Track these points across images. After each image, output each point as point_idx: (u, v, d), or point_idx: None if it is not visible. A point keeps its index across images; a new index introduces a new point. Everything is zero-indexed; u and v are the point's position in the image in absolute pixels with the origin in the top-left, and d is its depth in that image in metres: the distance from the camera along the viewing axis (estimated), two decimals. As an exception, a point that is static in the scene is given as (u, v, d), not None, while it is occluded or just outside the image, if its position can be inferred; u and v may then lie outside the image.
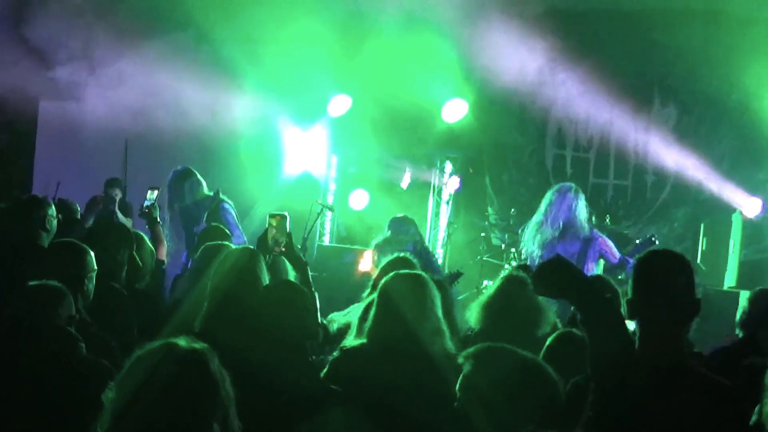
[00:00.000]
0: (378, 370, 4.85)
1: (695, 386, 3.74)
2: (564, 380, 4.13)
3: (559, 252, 9.34)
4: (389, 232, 9.61)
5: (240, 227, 9.48)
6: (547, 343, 5.05)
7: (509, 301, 5.93)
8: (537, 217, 9.55)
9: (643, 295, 3.82)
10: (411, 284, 5.15)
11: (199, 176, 9.68)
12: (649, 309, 3.79)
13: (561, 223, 9.36)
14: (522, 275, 6.18)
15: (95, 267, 5.64)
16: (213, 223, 8.56)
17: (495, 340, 4.53)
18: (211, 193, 9.59)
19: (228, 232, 7.97)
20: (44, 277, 4.91)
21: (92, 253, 5.65)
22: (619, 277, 9.46)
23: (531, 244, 9.50)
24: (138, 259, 6.77)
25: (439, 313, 5.11)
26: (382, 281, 5.21)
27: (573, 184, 9.81)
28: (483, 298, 6.12)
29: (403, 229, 9.71)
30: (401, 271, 5.33)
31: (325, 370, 5.10)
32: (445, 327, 5.09)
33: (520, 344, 4.18)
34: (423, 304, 5.06)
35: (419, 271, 5.53)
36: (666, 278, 3.82)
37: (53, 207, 7.17)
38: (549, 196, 9.60)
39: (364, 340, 5.09)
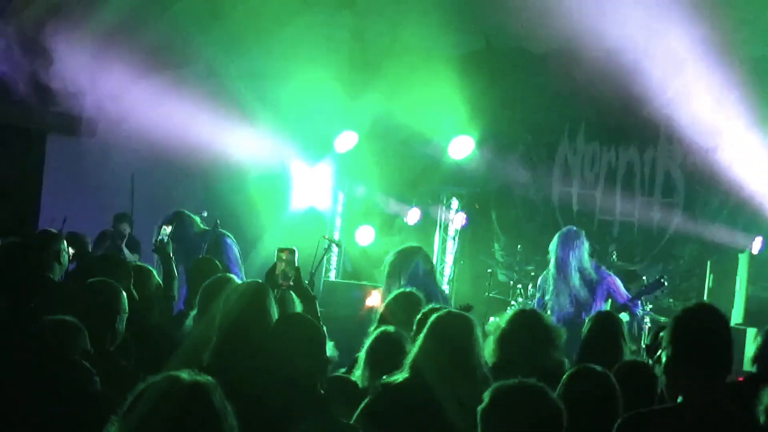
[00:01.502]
0: (423, 407, 4.87)
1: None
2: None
3: (573, 294, 9.54)
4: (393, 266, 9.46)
5: (240, 265, 9.48)
6: (564, 380, 5.02)
7: (521, 335, 5.95)
8: (552, 269, 9.76)
9: (685, 350, 3.84)
10: (461, 322, 5.22)
11: (189, 214, 9.69)
12: (689, 363, 3.81)
13: (574, 272, 9.58)
14: (533, 309, 6.24)
15: (126, 309, 5.70)
16: (202, 256, 8.58)
17: (508, 374, 4.52)
18: (208, 228, 9.60)
19: (218, 264, 7.94)
20: (70, 312, 4.97)
21: (125, 295, 5.72)
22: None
23: (548, 295, 9.74)
24: (135, 293, 6.77)
25: (482, 352, 5.19)
26: (434, 316, 5.26)
27: (575, 229, 10.01)
28: (498, 332, 6.13)
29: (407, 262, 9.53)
30: (453, 310, 5.41)
31: (363, 405, 5.11)
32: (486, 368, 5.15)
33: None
34: (471, 342, 5.12)
35: (467, 314, 5.55)
36: (707, 333, 3.84)
37: (65, 242, 7.24)
38: (556, 244, 9.81)
39: (407, 374, 5.11)
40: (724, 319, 3.89)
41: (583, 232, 10.04)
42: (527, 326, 6.02)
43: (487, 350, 6.00)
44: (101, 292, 5.74)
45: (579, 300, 9.63)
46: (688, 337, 3.84)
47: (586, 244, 9.86)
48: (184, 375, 3.21)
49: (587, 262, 9.77)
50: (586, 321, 7.15)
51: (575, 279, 9.64)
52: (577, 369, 5.02)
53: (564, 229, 10.20)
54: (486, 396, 3.93)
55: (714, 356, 3.79)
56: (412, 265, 9.10)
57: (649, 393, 5.10)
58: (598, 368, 4.90)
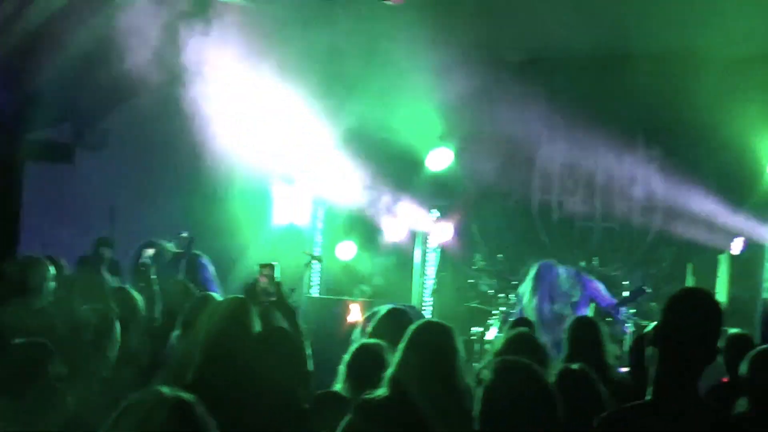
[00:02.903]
0: (405, 423, 4.85)
1: (715, 425, 3.84)
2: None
3: (555, 303, 9.75)
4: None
5: (218, 282, 9.54)
6: (554, 377, 5.10)
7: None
8: (530, 301, 9.99)
9: (671, 327, 3.92)
10: (440, 332, 5.24)
11: (161, 243, 9.74)
12: (675, 342, 3.89)
13: (553, 301, 9.81)
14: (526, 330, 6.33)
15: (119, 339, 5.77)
16: (173, 280, 8.65)
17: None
18: (181, 250, 9.64)
19: (189, 286, 8.01)
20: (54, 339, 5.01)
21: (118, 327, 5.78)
22: (607, 319, 9.62)
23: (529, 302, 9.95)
24: (114, 307, 6.80)
25: (463, 364, 5.20)
26: (411, 328, 5.28)
27: (549, 262, 10.32)
28: (493, 350, 6.22)
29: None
30: (432, 320, 5.39)
31: (343, 424, 5.06)
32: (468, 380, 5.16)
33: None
34: (452, 352, 5.13)
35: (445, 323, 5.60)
36: (697, 316, 3.91)
37: (50, 269, 7.27)
38: (532, 279, 10.09)
39: (386, 390, 5.07)
40: (719, 313, 3.96)
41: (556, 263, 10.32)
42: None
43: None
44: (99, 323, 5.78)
45: (561, 309, 9.80)
46: (675, 319, 3.91)
47: (562, 270, 10.13)
48: (167, 391, 3.23)
49: (566, 285, 9.99)
50: (566, 329, 7.20)
51: (553, 305, 9.89)
52: (565, 367, 5.14)
53: (537, 264, 10.48)
54: (490, 372, 4.00)
55: (698, 342, 3.86)
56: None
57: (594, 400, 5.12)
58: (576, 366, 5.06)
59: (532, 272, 10.27)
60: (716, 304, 3.99)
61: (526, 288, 10.35)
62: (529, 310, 10.18)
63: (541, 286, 10.03)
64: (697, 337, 3.86)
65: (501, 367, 4.02)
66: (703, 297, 4.05)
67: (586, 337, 6.90)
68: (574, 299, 10.29)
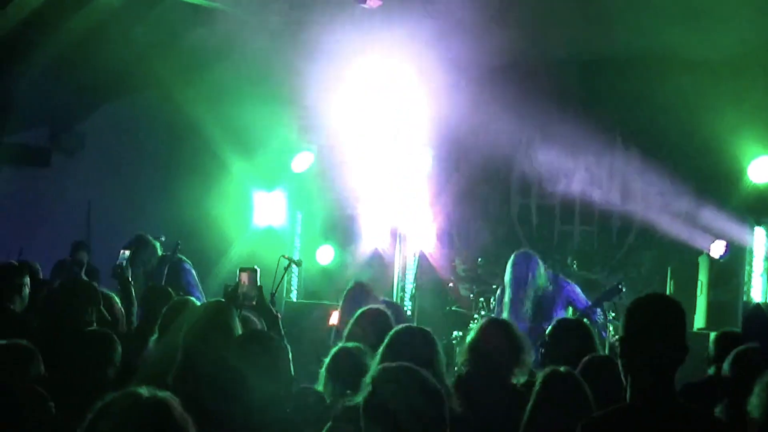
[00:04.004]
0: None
1: (695, 425, 3.85)
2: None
3: (531, 304, 9.70)
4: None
5: (200, 288, 9.52)
6: (539, 383, 5.08)
7: (490, 345, 5.96)
8: (507, 296, 9.92)
9: (635, 337, 3.91)
10: (420, 337, 5.22)
11: (152, 240, 9.71)
12: (641, 351, 3.87)
13: (531, 295, 9.74)
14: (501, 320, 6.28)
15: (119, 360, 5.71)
16: (153, 284, 8.61)
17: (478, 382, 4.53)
18: (167, 253, 9.61)
19: (171, 291, 7.97)
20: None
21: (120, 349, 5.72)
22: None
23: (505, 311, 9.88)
24: (106, 314, 6.78)
25: (443, 368, 5.18)
26: (391, 334, 5.25)
27: (528, 252, 10.23)
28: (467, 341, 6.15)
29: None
30: (412, 325, 5.39)
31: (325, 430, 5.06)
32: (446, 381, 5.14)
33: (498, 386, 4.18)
34: (432, 357, 5.11)
35: (425, 328, 5.57)
36: (659, 321, 3.90)
37: (27, 276, 7.24)
38: (510, 270, 9.99)
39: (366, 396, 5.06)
40: (681, 312, 3.96)
41: (538, 256, 10.24)
42: (498, 336, 6.02)
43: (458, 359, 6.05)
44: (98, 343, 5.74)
45: (536, 311, 9.77)
46: (639, 326, 3.91)
47: (541, 265, 10.05)
48: (144, 391, 3.22)
49: (543, 280, 9.95)
50: (551, 328, 7.14)
51: (530, 297, 9.80)
52: (551, 371, 5.11)
53: (518, 251, 10.36)
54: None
55: (665, 344, 3.86)
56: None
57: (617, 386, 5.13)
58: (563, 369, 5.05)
59: (510, 262, 10.18)
60: (676, 303, 4.00)
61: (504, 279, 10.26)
62: (504, 303, 10.07)
63: (517, 275, 9.95)
64: (664, 340, 3.86)
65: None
66: (661, 299, 4.10)
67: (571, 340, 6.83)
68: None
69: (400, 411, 3.80)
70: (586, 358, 5.61)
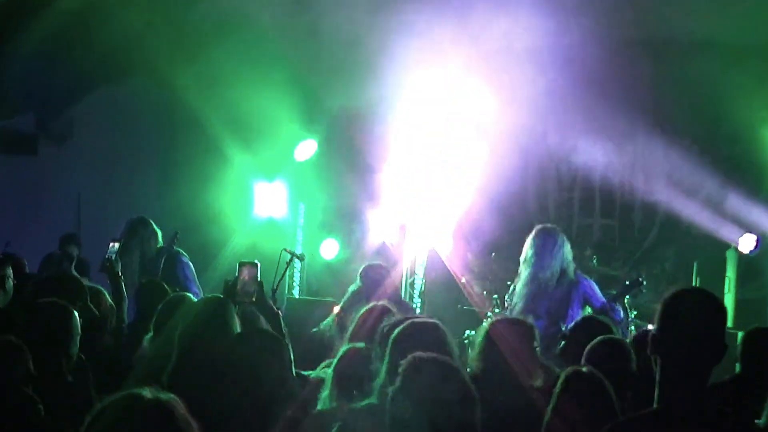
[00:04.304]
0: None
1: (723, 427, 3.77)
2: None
3: (546, 300, 9.44)
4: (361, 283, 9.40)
5: (197, 283, 9.47)
6: (560, 383, 5.02)
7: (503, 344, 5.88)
8: (526, 268, 9.55)
9: (670, 332, 3.83)
10: (429, 332, 5.16)
11: (154, 226, 9.67)
12: (676, 347, 3.80)
13: (557, 269, 9.44)
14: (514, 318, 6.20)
15: (79, 331, 5.62)
16: (148, 279, 8.55)
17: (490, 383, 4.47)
18: (164, 245, 9.58)
19: (166, 287, 7.90)
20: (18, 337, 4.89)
21: (77, 316, 5.64)
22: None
23: (520, 298, 9.54)
24: (94, 309, 6.71)
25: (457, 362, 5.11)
26: (396, 330, 5.18)
27: (555, 227, 9.83)
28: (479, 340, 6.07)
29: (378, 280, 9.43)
30: (416, 320, 5.32)
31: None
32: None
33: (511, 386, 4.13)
34: (442, 350, 5.02)
35: (434, 319, 5.50)
36: (697, 317, 3.82)
37: (10, 267, 7.19)
38: (533, 242, 9.60)
39: (374, 400, 5.01)
40: (720, 307, 3.88)
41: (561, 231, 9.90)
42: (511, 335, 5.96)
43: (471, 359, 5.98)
44: (52, 313, 5.64)
45: (552, 308, 9.51)
46: (675, 322, 3.83)
47: (567, 243, 9.72)
48: (146, 392, 3.17)
49: (569, 258, 9.63)
50: (570, 329, 7.05)
51: (552, 279, 9.50)
52: (573, 371, 5.05)
53: (541, 226, 9.99)
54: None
55: (701, 343, 3.78)
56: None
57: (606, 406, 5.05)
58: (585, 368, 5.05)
59: (529, 238, 9.82)
60: (717, 300, 3.92)
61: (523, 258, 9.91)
62: (521, 285, 9.77)
63: (540, 245, 9.62)
64: (701, 338, 3.78)
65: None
66: (702, 294, 3.99)
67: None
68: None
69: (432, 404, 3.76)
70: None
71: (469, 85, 12.79)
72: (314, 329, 8.28)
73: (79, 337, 5.64)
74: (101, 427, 3.11)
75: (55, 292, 6.33)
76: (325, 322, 8.83)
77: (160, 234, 9.74)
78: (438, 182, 13.38)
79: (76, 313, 5.67)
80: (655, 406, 3.82)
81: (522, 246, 9.86)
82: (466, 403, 3.81)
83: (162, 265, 9.29)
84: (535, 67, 13.09)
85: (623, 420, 4.03)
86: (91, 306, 6.69)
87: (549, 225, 10.05)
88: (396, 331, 5.22)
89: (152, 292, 7.51)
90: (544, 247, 9.52)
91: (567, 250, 9.57)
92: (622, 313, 9.79)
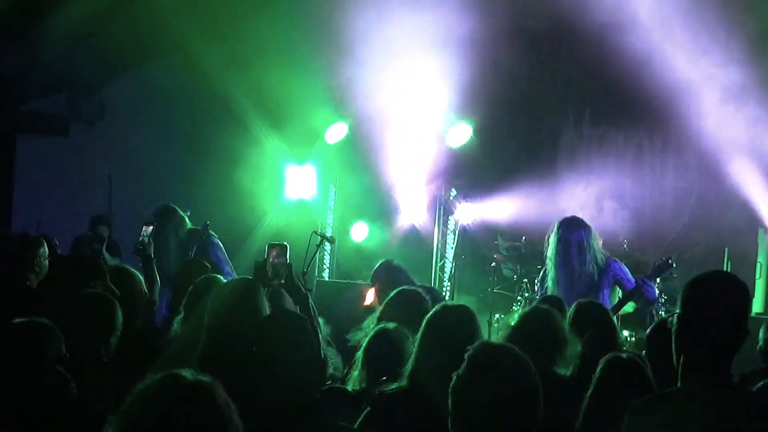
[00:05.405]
0: (423, 418, 4.75)
1: (752, 410, 3.78)
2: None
3: (576, 291, 9.34)
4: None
5: (230, 263, 9.49)
6: (600, 369, 5.03)
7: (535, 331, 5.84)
8: (551, 262, 9.40)
9: (694, 314, 3.84)
10: (459, 316, 5.15)
11: (180, 212, 9.70)
12: (698, 330, 3.81)
13: (586, 268, 9.28)
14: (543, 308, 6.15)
15: (120, 326, 5.68)
16: (190, 258, 8.57)
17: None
18: (197, 227, 9.59)
19: (208, 265, 7.92)
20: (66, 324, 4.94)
21: (120, 312, 5.70)
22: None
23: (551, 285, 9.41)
24: (115, 289, 6.73)
25: None
26: (428, 316, 5.19)
27: (575, 220, 9.55)
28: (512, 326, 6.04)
29: (392, 279, 9.23)
30: (448, 304, 5.31)
31: (361, 419, 5.03)
32: None
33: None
34: (473, 337, 5.01)
35: (463, 303, 5.50)
36: (719, 299, 3.83)
37: (45, 247, 7.22)
38: (555, 237, 9.40)
39: (405, 383, 5.02)
40: (745, 291, 3.89)
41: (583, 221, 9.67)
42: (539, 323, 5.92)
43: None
44: (98, 307, 5.70)
45: (582, 289, 9.38)
46: (698, 303, 3.84)
47: (592, 234, 9.51)
48: (186, 373, 3.17)
49: (596, 249, 9.45)
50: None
51: (580, 263, 9.32)
52: (613, 357, 5.04)
53: (560, 222, 9.73)
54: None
55: (724, 324, 3.79)
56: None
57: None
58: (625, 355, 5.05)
59: (553, 229, 9.59)
60: (741, 283, 3.92)
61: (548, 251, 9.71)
62: (551, 278, 9.60)
63: (566, 236, 9.38)
64: (725, 319, 3.79)
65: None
66: (726, 277, 4.04)
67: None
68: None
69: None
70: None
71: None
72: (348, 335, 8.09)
73: (120, 331, 5.70)
74: (141, 407, 3.10)
75: (72, 273, 6.39)
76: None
77: (186, 218, 9.77)
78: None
79: (119, 308, 5.72)
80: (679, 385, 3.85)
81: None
82: (534, 394, 3.81)
83: (194, 248, 9.32)
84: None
85: (644, 398, 4.02)
86: (112, 286, 6.72)
87: (569, 219, 9.56)
88: (429, 314, 5.23)
89: (190, 272, 7.48)
90: (567, 251, 9.33)
91: (593, 244, 9.35)
92: (656, 290, 9.70)
